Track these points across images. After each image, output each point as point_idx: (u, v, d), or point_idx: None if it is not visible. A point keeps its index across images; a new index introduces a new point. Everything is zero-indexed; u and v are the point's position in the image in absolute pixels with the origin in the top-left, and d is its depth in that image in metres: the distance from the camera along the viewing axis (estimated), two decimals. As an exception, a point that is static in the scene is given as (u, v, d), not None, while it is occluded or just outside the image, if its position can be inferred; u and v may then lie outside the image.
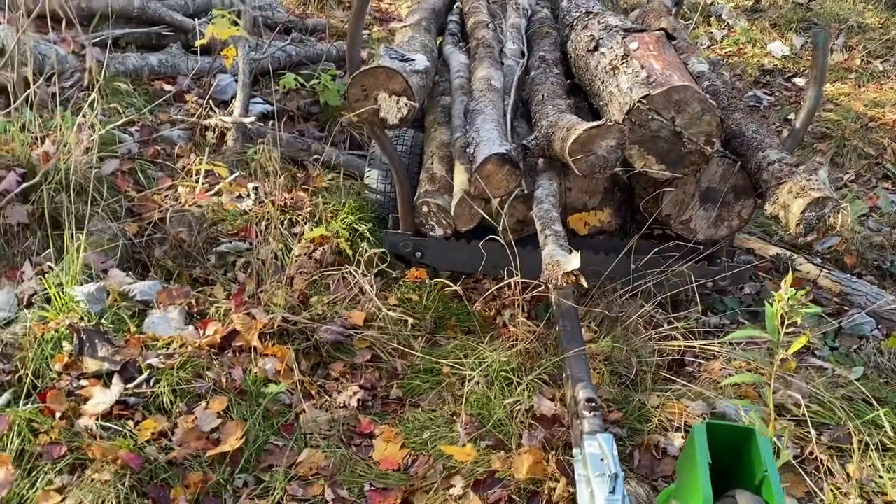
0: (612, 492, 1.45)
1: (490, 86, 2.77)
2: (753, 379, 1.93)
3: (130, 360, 2.11)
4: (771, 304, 1.79)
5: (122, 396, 1.99)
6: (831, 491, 1.93)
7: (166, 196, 2.88)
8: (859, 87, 5.00)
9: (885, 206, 3.57)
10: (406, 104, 2.30)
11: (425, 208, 2.61)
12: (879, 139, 4.35)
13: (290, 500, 1.84)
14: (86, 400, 1.99)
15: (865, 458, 2.01)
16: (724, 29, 5.94)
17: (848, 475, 1.96)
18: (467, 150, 2.48)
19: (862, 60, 5.36)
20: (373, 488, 1.91)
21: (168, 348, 2.19)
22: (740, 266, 2.68)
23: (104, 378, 2.05)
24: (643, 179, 2.54)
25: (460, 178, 2.54)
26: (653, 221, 2.62)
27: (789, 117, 4.64)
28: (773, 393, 1.89)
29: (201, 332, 2.29)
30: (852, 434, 2.02)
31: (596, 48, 2.74)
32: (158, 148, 3.13)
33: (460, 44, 3.34)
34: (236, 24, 2.98)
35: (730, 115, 2.64)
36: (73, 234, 2.43)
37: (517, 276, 2.34)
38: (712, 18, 6.06)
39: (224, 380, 2.10)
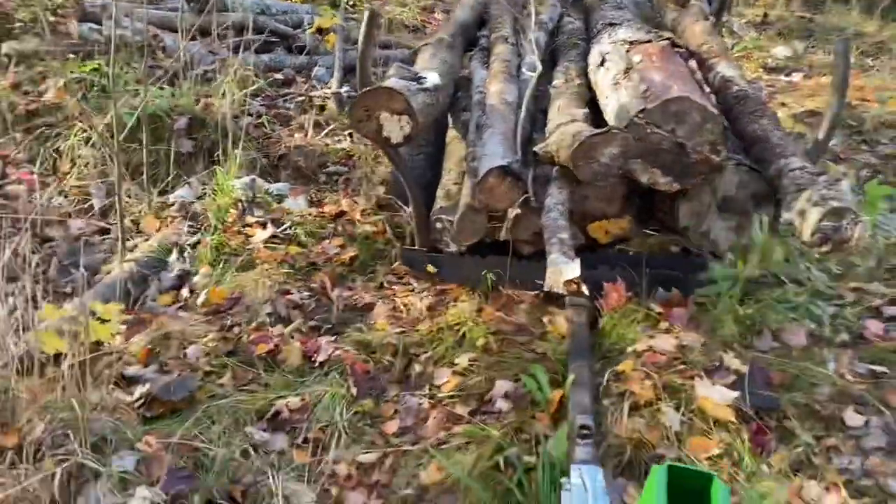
0: None
1: (502, 100, 2.79)
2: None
3: (276, 217, 3.11)
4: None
5: (274, 233, 2.99)
6: None
7: (287, 139, 3.94)
8: (851, 78, 5.83)
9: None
10: (408, 123, 2.32)
11: (439, 224, 2.66)
12: (861, 114, 5.17)
13: (388, 285, 2.78)
14: (249, 237, 2.99)
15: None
16: (735, 39, 6.85)
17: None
18: (472, 163, 2.53)
19: (856, 59, 6.19)
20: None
21: (300, 217, 3.19)
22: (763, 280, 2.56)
23: (261, 226, 3.06)
24: (659, 191, 2.48)
25: (465, 192, 2.59)
26: (674, 233, 2.60)
27: (786, 102, 5.50)
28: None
29: (321, 209, 3.29)
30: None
31: (602, 63, 2.78)
32: (279, 111, 4.21)
33: (486, 59, 3.37)
34: (335, 15, 4.08)
35: (756, 120, 2.56)
36: (226, 157, 3.48)
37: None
38: (724, 31, 6.99)
39: (340, 228, 3.08)
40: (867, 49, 6.34)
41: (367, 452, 2.07)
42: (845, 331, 2.52)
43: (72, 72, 4.02)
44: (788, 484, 1.86)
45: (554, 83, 2.93)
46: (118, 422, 1.98)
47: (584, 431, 1.80)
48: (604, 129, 2.25)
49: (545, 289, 1.98)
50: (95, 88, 3.98)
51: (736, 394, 2.05)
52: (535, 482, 1.84)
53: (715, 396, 2.04)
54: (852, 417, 2.15)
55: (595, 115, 2.67)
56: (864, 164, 4.42)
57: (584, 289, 1.94)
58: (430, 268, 2.74)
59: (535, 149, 2.44)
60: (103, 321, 2.34)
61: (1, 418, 1.87)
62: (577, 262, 1.96)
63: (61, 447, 1.81)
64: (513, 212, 2.42)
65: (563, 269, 1.95)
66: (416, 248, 2.77)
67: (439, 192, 2.75)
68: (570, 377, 2.09)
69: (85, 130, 3.54)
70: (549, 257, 2.03)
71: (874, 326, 2.55)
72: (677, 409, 2.02)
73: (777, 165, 2.33)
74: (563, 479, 1.60)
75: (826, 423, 2.13)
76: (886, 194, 3.36)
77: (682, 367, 2.15)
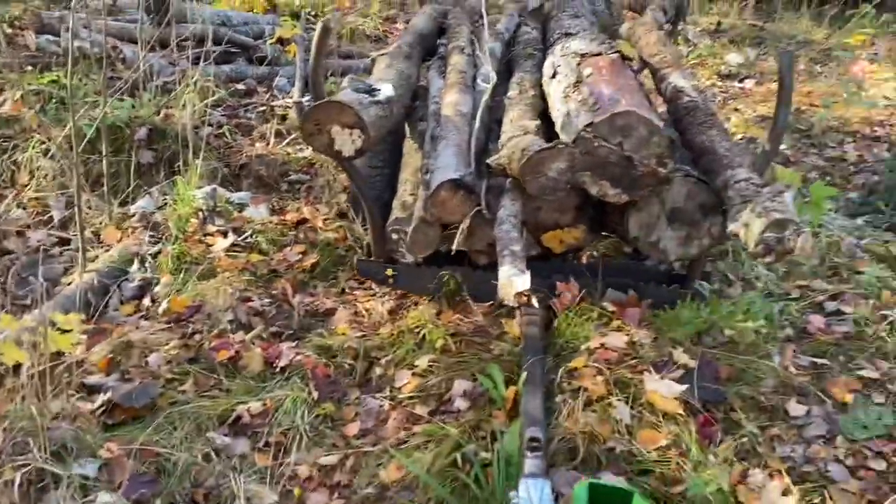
0: None
1: (457, 111, 2.78)
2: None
3: (238, 225, 3.14)
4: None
5: (235, 241, 3.02)
6: None
7: (248, 148, 3.96)
8: (799, 84, 6.02)
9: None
10: (360, 137, 2.31)
11: (395, 236, 2.67)
12: (809, 118, 5.35)
13: (350, 291, 2.82)
14: (210, 246, 3.01)
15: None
16: (690, 47, 7.03)
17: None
18: (425, 176, 2.54)
19: (805, 65, 6.40)
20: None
21: (261, 225, 3.22)
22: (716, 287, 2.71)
23: (222, 235, 3.08)
24: (609, 202, 2.49)
25: (419, 205, 2.57)
26: (625, 243, 2.69)
27: (738, 107, 5.66)
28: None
29: (282, 217, 3.33)
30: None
31: (554, 75, 2.80)
32: (240, 121, 4.24)
33: (443, 68, 3.33)
34: (296, 26, 4.12)
35: (704, 131, 2.59)
36: (187, 167, 3.49)
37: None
38: (680, 38, 7.16)
39: (302, 236, 3.12)
40: (815, 56, 6.55)
41: (328, 454, 2.11)
42: (790, 326, 2.63)
43: (29, 84, 4.00)
44: (731, 471, 1.94)
45: (508, 94, 2.94)
46: (79, 429, 1.99)
47: (534, 444, 1.80)
48: (551, 144, 2.28)
49: (497, 301, 2.00)
50: (54, 100, 3.97)
51: (683, 387, 2.13)
52: (492, 477, 1.90)
53: (663, 390, 2.12)
54: (795, 408, 2.25)
55: (548, 126, 2.70)
56: (812, 167, 4.58)
57: (535, 300, 1.96)
58: (389, 277, 2.76)
59: (488, 161, 2.47)
60: (63, 331, 2.36)
61: (-40, 428, 1.88)
62: (528, 274, 1.98)
63: (21, 455, 1.83)
64: (465, 224, 2.44)
65: (515, 282, 1.96)
66: (373, 258, 2.79)
67: (395, 203, 2.76)
68: (523, 375, 2.16)
69: (44, 142, 3.53)
70: (501, 270, 2.05)
71: (817, 321, 2.66)
72: (628, 403, 2.10)
73: (723, 177, 2.37)
74: (511, 493, 1.66)
75: (770, 414, 2.23)
76: (830, 195, 3.49)
77: (632, 362, 2.23)
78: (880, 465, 2.06)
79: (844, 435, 2.16)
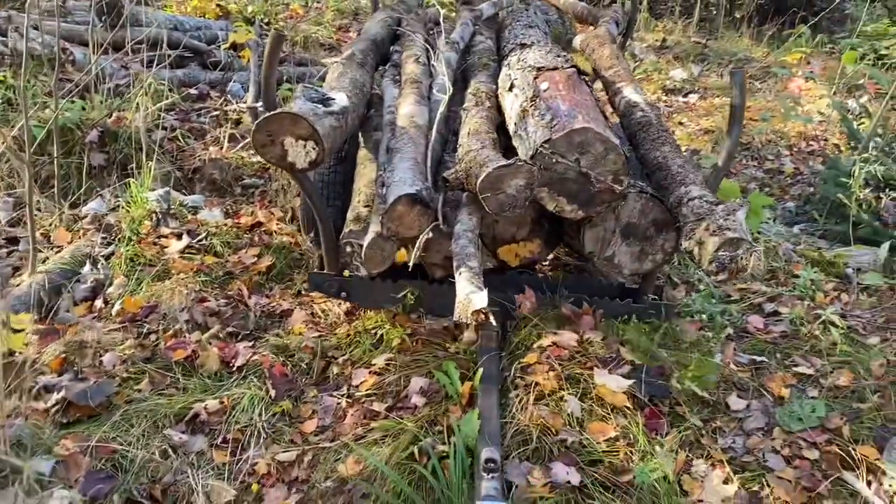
0: None
1: (412, 123, 2.74)
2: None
3: (192, 228, 3.14)
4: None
5: (189, 243, 3.02)
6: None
7: (202, 152, 3.95)
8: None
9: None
10: (314, 149, 2.25)
11: (349, 248, 2.58)
12: (749, 132, 5.57)
13: (306, 292, 2.85)
14: (164, 248, 3.01)
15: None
16: (637, 62, 7.25)
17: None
18: (381, 190, 2.48)
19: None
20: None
21: (216, 227, 3.22)
22: (668, 302, 2.72)
23: (176, 237, 3.08)
24: (566, 217, 2.50)
25: (375, 219, 2.49)
26: (579, 258, 2.75)
27: (682, 121, 5.86)
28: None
29: (237, 220, 3.33)
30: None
31: (511, 88, 2.79)
32: (193, 125, 4.22)
33: (397, 76, 3.30)
34: (250, 31, 4.13)
35: (658, 147, 2.65)
36: (139, 170, 3.48)
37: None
38: (627, 54, 7.38)
39: (257, 239, 3.13)
40: (755, 73, 6.83)
41: (286, 451, 2.14)
42: (731, 325, 2.75)
43: (-26, 84, 3.93)
44: (675, 459, 2.03)
45: (465, 105, 2.91)
46: (34, 426, 1.97)
47: (490, 465, 1.78)
48: (510, 161, 2.26)
49: (454, 319, 1.97)
50: (0, 101, 3.90)
51: (630, 382, 2.23)
52: (448, 469, 1.95)
53: (612, 385, 2.20)
54: (736, 402, 2.36)
55: (505, 138, 2.71)
56: (752, 178, 4.78)
57: (492, 319, 1.94)
58: (341, 293, 2.67)
59: (445, 175, 2.45)
60: (15, 331, 2.33)
61: None
62: (485, 292, 1.96)
63: (-27, 453, 1.81)
64: (422, 238, 2.39)
65: (472, 299, 1.94)
66: (325, 272, 2.68)
67: (349, 215, 2.68)
68: (479, 372, 2.22)
69: (-9, 142, 3.47)
70: (458, 287, 2.02)
71: (756, 321, 2.80)
72: (578, 396, 2.18)
73: (678, 193, 2.40)
74: None
75: (713, 408, 2.34)
76: (768, 204, 3.66)
77: (582, 359, 2.31)
78: (814, 455, 2.18)
79: (781, 427, 2.27)
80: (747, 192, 4.32)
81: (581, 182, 2.38)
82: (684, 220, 2.31)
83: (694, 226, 2.24)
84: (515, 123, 2.62)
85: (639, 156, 2.75)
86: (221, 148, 4.01)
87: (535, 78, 2.71)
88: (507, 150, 2.59)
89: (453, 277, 2.14)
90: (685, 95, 6.57)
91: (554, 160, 2.35)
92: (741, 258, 2.20)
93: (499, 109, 2.91)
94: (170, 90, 4.53)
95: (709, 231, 2.18)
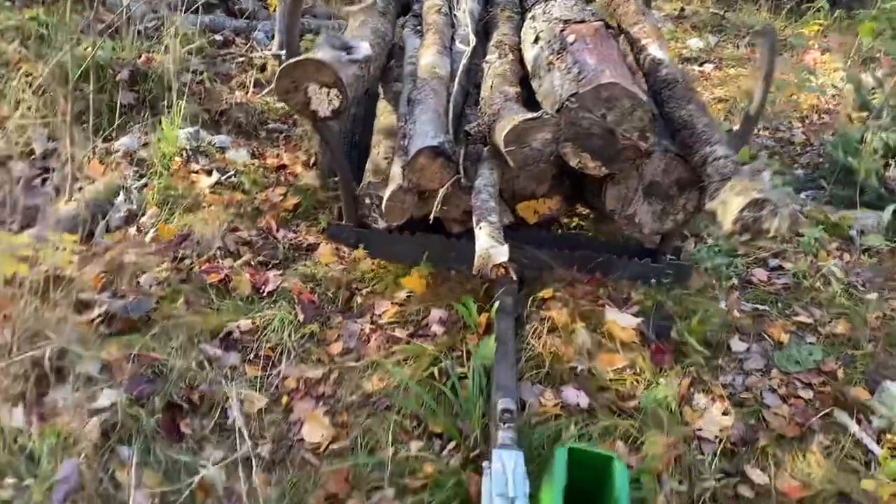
0: None
1: (434, 74, 2.71)
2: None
3: (220, 166, 3.26)
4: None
5: (219, 180, 3.14)
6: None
7: (228, 96, 4.06)
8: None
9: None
10: (337, 97, 2.24)
11: (368, 200, 2.58)
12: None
13: (330, 229, 2.98)
14: (195, 182, 3.13)
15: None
16: (654, 30, 7.28)
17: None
18: (402, 142, 2.47)
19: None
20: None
21: (243, 167, 3.34)
22: (686, 262, 2.75)
23: (206, 173, 3.20)
24: (588, 174, 2.46)
25: (395, 171, 2.48)
26: (600, 215, 2.70)
27: (697, 90, 5.93)
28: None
29: (263, 161, 3.45)
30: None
31: (537, 40, 2.75)
32: (219, 70, 4.32)
33: (419, 27, 3.27)
34: (279, -20, 4.21)
35: (684, 105, 2.59)
36: (169, 109, 3.58)
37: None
38: (645, 21, 7.42)
39: (283, 179, 3.25)
40: (771, 45, 6.87)
41: (313, 369, 2.28)
42: (735, 277, 2.88)
43: (8, 19, 4.02)
44: (678, 388, 2.17)
45: (487, 58, 2.91)
46: (80, 334, 2.12)
47: (507, 416, 1.80)
48: (536, 115, 2.23)
49: (473, 272, 2.00)
50: (33, 38, 3.99)
51: (639, 319, 2.36)
52: (466, 388, 2.09)
53: (621, 321, 2.34)
54: (737, 344, 2.50)
55: (527, 92, 2.67)
56: (762, 146, 4.86)
57: (512, 273, 1.96)
58: (359, 245, 2.72)
59: (467, 128, 2.43)
60: (58, 250, 2.46)
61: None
62: (506, 246, 1.97)
63: (28, 352, 1.95)
64: (443, 192, 2.38)
65: (492, 253, 1.95)
66: (344, 223, 2.70)
67: (368, 167, 2.66)
68: (496, 304, 2.35)
69: (28, 75, 3.57)
70: (478, 241, 2.02)
71: (760, 274, 2.92)
72: (589, 331, 2.31)
73: (702, 153, 2.36)
74: (484, 463, 1.68)
75: (715, 349, 2.47)
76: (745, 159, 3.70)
77: (595, 298, 2.44)
78: (808, 395, 2.32)
79: (779, 368, 2.41)
80: (755, 158, 4.41)
81: (606, 138, 2.33)
82: (709, 179, 2.29)
83: (718, 186, 2.22)
84: (540, 77, 2.59)
85: (663, 114, 2.73)
86: (247, 93, 4.11)
87: (562, 31, 2.68)
88: (529, 104, 2.56)
89: (471, 232, 2.15)
90: (701, 65, 6.61)
91: (580, 115, 2.29)
92: (765, 219, 2.09)
93: (521, 63, 2.90)
94: (196, 35, 4.63)
95: (733, 191, 2.15)
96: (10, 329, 1.96)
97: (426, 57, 2.85)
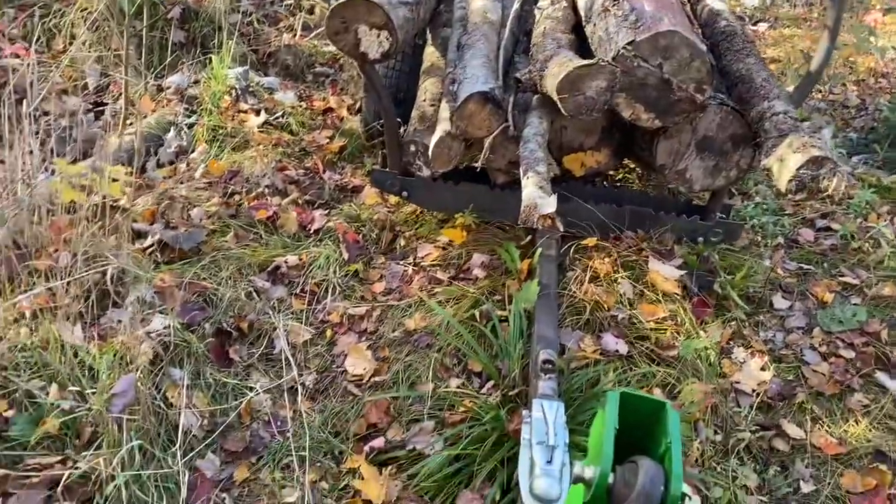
0: (550, 462, 1.34)
1: (486, 19, 2.67)
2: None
3: (268, 107, 3.29)
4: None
5: (267, 120, 3.17)
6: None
7: (276, 38, 4.07)
8: (814, 28, 6.15)
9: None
10: (387, 39, 2.23)
11: (413, 147, 2.51)
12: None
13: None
14: (244, 122, 3.17)
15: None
16: (708, -14, 7.07)
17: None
18: (451, 87, 2.41)
19: (818, 14, 6.50)
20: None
21: (291, 108, 3.37)
22: (735, 221, 2.68)
23: (255, 113, 3.23)
24: (639, 126, 2.37)
25: (443, 117, 2.42)
26: (650, 169, 2.63)
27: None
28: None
29: (310, 103, 3.47)
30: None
31: None
32: (267, 12, 4.32)
33: None
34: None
35: (742, 59, 2.52)
36: (219, 49, 3.61)
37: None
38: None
39: (329, 122, 3.27)
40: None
41: (356, 306, 2.33)
42: (781, 236, 2.85)
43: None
44: (718, 339, 2.18)
45: (539, 4, 2.82)
46: (135, 260, 2.19)
47: (547, 367, 1.78)
48: (591, 61, 2.14)
49: (519, 222, 1.95)
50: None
51: (682, 272, 2.35)
52: (507, 330, 2.12)
53: (664, 272, 2.34)
54: (780, 301, 2.49)
55: (579, 39, 2.59)
56: (815, 108, 4.75)
57: (560, 224, 1.91)
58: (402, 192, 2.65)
59: (518, 75, 2.37)
60: (113, 180, 2.53)
61: (32, 247, 2.07)
62: (554, 197, 1.92)
63: (86, 273, 2.02)
64: (490, 140, 2.32)
65: (539, 204, 1.90)
66: (388, 169, 2.64)
67: (414, 114, 2.59)
68: (538, 251, 2.36)
69: (83, 10, 3.62)
70: (525, 191, 1.97)
71: (807, 234, 2.88)
72: (632, 281, 2.32)
73: (760, 108, 2.29)
74: (525, 412, 1.63)
75: (757, 304, 2.46)
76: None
77: (638, 249, 2.44)
78: (849, 354, 2.31)
79: (821, 327, 2.40)
80: (807, 121, 4.31)
81: (661, 89, 2.23)
82: (766, 135, 2.21)
83: (776, 142, 2.15)
84: (594, 23, 2.48)
85: (720, 66, 2.64)
86: (295, 35, 4.11)
87: (619, -24, 2.66)
88: (581, 51, 2.47)
89: (516, 183, 2.11)
90: (755, 24, 6.43)
91: (636, 63, 2.20)
92: (823, 178, 2.03)
93: (574, 9, 2.77)
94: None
95: (792, 148, 2.08)
96: (70, 252, 2.03)
97: (477, 1, 2.80)
